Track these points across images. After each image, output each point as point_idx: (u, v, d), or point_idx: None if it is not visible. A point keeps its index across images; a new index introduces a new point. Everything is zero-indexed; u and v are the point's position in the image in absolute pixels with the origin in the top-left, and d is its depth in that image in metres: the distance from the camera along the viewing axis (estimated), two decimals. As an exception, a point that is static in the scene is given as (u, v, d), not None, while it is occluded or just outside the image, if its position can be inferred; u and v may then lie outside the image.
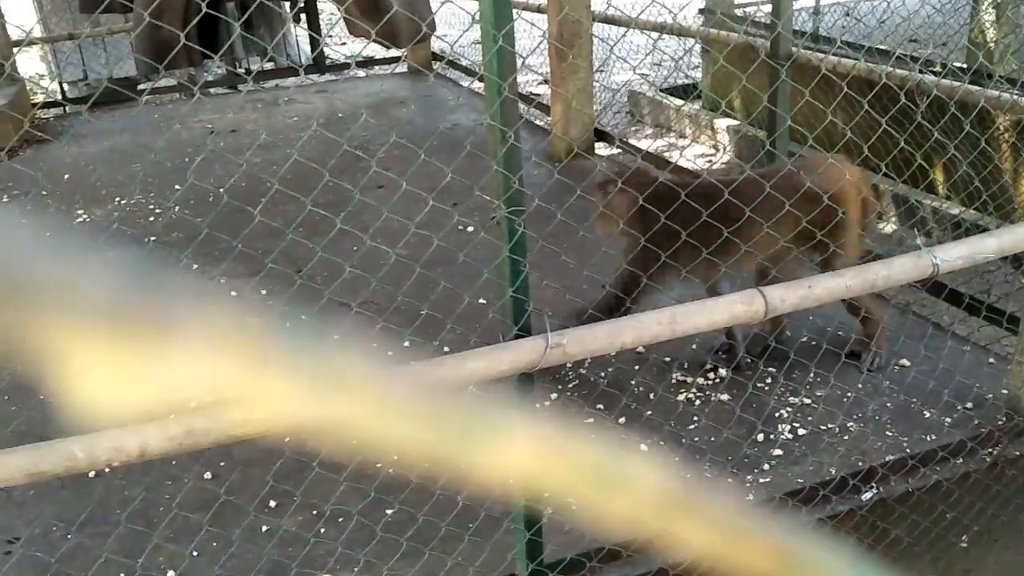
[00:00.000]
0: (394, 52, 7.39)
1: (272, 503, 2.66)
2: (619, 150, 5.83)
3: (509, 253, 2.01)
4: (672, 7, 5.02)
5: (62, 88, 8.00)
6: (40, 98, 7.88)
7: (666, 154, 6.28)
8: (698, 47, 7.55)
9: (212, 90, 7.97)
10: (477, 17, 1.91)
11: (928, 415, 3.01)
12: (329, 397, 0.42)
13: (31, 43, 8.23)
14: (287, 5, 7.65)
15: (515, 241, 2.01)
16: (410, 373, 0.47)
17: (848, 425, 2.96)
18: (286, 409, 0.41)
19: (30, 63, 9.50)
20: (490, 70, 1.91)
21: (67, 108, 7.66)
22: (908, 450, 2.84)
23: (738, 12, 7.50)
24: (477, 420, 0.47)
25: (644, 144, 6.79)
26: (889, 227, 5.78)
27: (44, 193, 5.42)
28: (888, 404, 3.07)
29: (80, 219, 5.03)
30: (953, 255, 2.32)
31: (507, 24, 1.88)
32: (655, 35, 5.80)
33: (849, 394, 3.09)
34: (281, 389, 0.40)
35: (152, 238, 4.65)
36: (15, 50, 7.03)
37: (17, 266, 0.35)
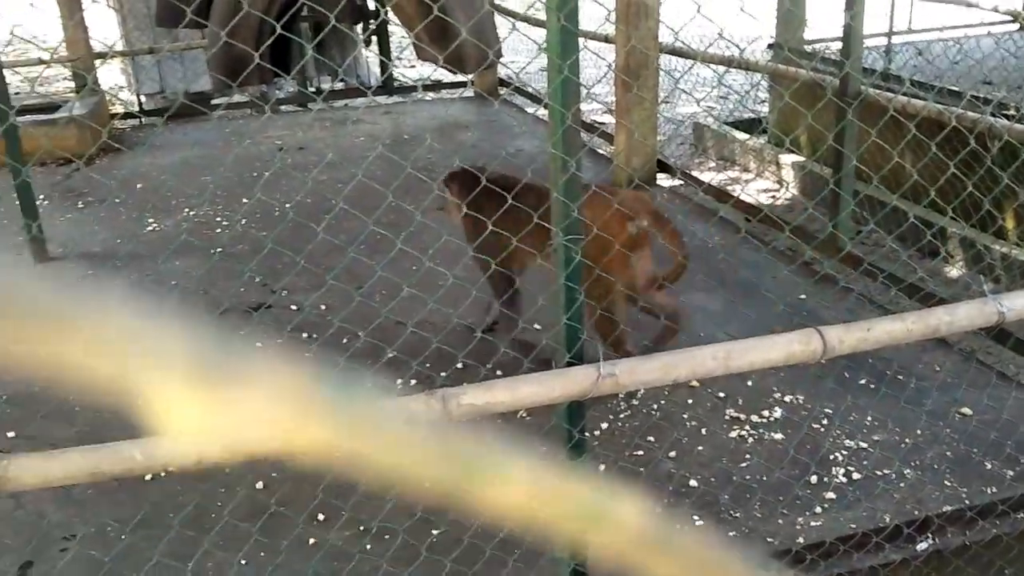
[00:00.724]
0: (461, 77, 7.48)
1: (320, 516, 2.68)
2: (680, 181, 5.81)
3: (565, 281, 2.02)
4: (741, 40, 5.01)
5: (139, 100, 8.25)
6: (118, 109, 8.13)
7: (729, 188, 6.24)
8: (765, 81, 7.51)
9: (283, 107, 8.15)
10: (543, 46, 1.94)
11: (989, 466, 2.93)
12: (358, 437, 0.53)
13: (113, 56, 8.51)
14: (359, 28, 7.80)
15: (571, 269, 2.02)
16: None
17: (905, 472, 2.90)
18: (325, 445, 0.52)
19: (110, 75, 9.82)
20: (554, 99, 1.93)
21: (143, 120, 7.89)
22: (967, 501, 2.76)
23: (808, 48, 7.44)
24: (479, 458, 0.55)
25: (707, 176, 6.76)
26: (955, 271, 5.66)
27: (117, 201, 5.58)
28: (947, 453, 2.99)
29: (150, 228, 5.17)
30: (1020, 303, 2.26)
31: (573, 55, 1.90)
32: (722, 68, 5.79)
33: (907, 440, 3.03)
34: (322, 431, 0.51)
35: (218, 249, 4.75)
36: (97, 63, 7.28)
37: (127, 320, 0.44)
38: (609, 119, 7.89)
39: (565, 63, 1.91)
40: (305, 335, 3.74)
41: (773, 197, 6.78)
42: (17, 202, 4.59)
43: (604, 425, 3.15)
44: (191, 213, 5.35)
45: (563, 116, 1.94)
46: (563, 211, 2.01)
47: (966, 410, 3.20)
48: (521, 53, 8.80)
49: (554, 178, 2.01)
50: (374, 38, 8.28)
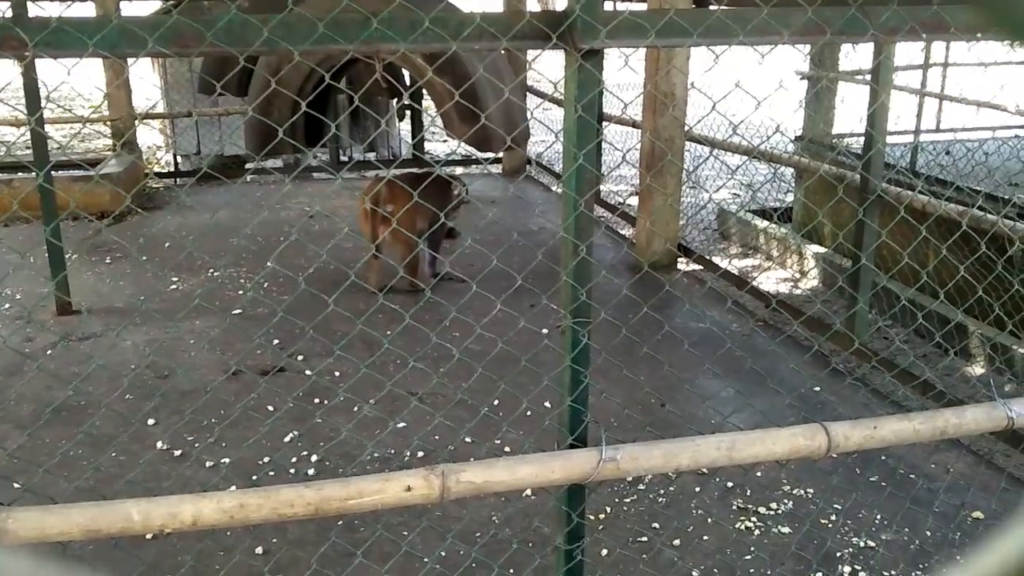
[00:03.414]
0: (491, 153, 7.61)
1: (316, 586, 2.67)
2: (700, 266, 5.84)
3: (571, 363, 2.04)
4: (769, 128, 5.07)
5: (176, 160, 8.45)
6: (154, 168, 8.33)
7: (750, 276, 6.26)
8: (791, 170, 7.58)
9: (314, 174, 8.31)
10: (559, 134, 1.99)
11: (999, 573, 2.87)
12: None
13: (154, 117, 8.76)
14: (393, 102, 8.00)
15: (578, 351, 2.03)
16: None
17: (912, 574, 2.84)
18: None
19: (149, 135, 10.08)
20: (569, 185, 1.98)
21: (177, 180, 8.07)
22: (975, 608, 2.70)
23: (833, 141, 7.52)
24: None
25: (725, 263, 6.78)
26: (977, 369, 5.61)
27: (144, 258, 5.69)
28: (957, 556, 2.94)
29: (173, 286, 5.25)
30: (1029, 409, 2.24)
31: (588, 143, 1.95)
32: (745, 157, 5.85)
33: (916, 541, 2.98)
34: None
35: (238, 311, 4.81)
36: (137, 123, 7.49)
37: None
38: (636, 200, 7.97)
39: (580, 152, 1.95)
40: (316, 400, 3.76)
41: (794, 286, 6.77)
42: (47, 254, 4.70)
43: (608, 509, 3.12)
44: (215, 273, 5.44)
45: (576, 202, 1.98)
46: (572, 294, 2.04)
47: (977, 514, 3.15)
48: (550, 131, 8.97)
49: (565, 261, 2.05)
50: (407, 112, 8.48)
